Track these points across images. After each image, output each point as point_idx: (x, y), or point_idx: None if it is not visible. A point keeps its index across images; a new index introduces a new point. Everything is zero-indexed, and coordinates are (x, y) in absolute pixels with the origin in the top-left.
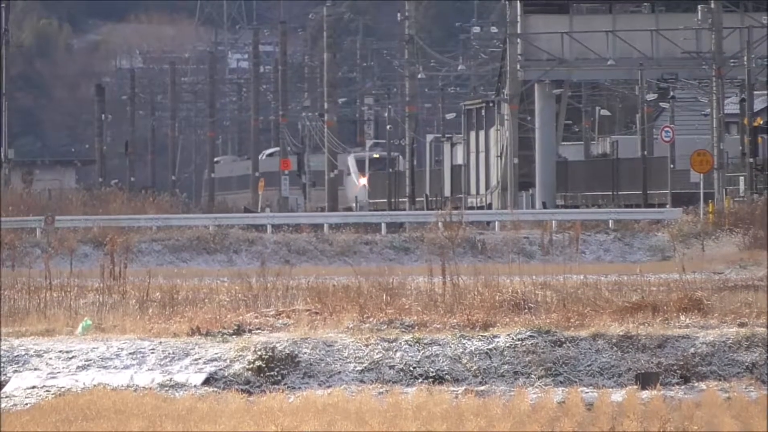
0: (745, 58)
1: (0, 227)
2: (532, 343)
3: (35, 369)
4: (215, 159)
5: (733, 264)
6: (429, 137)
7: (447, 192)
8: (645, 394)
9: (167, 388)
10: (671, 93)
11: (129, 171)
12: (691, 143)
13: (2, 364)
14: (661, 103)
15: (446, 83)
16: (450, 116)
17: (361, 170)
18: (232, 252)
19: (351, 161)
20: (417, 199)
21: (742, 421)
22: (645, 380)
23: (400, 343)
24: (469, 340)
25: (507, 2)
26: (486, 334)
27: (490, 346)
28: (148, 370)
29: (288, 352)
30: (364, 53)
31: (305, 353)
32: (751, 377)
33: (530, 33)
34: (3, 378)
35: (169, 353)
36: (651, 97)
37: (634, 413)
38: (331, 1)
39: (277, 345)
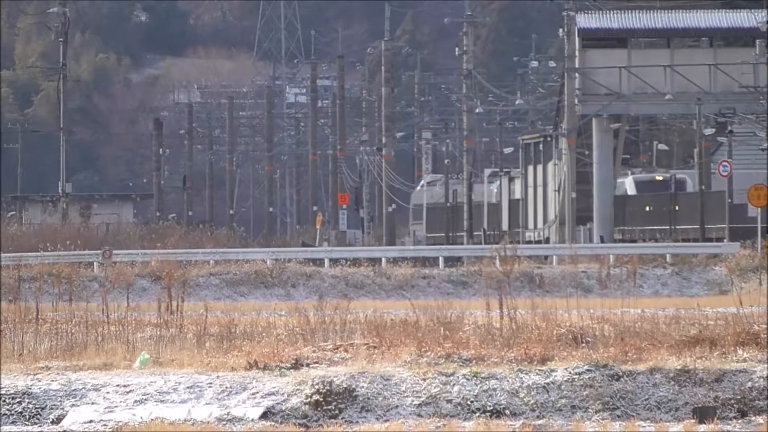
0: None
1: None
2: (589, 377)
3: (92, 403)
4: (422, 182)
5: None
6: (487, 171)
7: (505, 226)
8: (702, 428)
9: (225, 422)
10: (729, 127)
11: (186, 205)
12: (749, 178)
13: (60, 399)
14: (718, 138)
15: (504, 117)
16: (508, 150)
17: (640, 192)
18: (289, 286)
19: (630, 183)
20: (475, 233)
21: None
22: (702, 414)
23: (458, 377)
24: (526, 374)
25: (565, 37)
26: (543, 368)
27: (548, 380)
28: (206, 404)
29: (345, 386)
30: (422, 87)
31: (363, 387)
32: None
33: (588, 67)
34: (60, 412)
35: (226, 387)
36: (709, 131)
37: None
38: (389, 35)
39: (335, 379)
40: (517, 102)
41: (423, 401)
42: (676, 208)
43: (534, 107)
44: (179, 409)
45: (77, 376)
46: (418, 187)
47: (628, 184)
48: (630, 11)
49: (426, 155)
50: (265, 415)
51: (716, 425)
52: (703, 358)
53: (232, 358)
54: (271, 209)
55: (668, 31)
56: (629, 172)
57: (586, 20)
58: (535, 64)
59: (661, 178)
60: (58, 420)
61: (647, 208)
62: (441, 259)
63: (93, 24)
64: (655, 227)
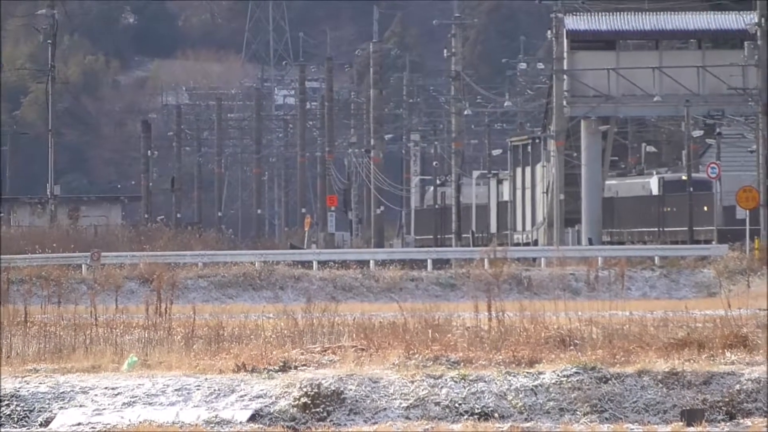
0: None
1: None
2: (577, 380)
3: (81, 406)
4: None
5: None
6: (475, 173)
7: (493, 228)
8: (690, 430)
9: (213, 425)
10: (717, 129)
11: (175, 207)
12: (738, 180)
13: (48, 401)
14: (707, 140)
15: (493, 119)
16: (496, 152)
17: (665, 192)
18: (278, 288)
19: (655, 183)
20: (463, 235)
21: None
22: (690, 417)
23: (446, 380)
24: (514, 376)
25: (554, 39)
26: (532, 370)
27: (536, 383)
28: (194, 406)
29: (334, 388)
30: (410, 89)
31: (351, 390)
32: None
33: (577, 69)
34: (48, 415)
35: (214, 390)
36: (697, 133)
37: None
38: (377, 37)
39: (323, 381)
40: (505, 104)
41: (411, 404)
42: (705, 208)
43: (522, 109)
44: (167, 411)
45: (65, 378)
46: (432, 189)
47: (653, 184)
48: (618, 13)
49: (414, 157)
50: (253, 418)
51: (704, 428)
52: (691, 361)
53: (220, 361)
54: (259, 211)
55: (657, 33)
56: (654, 172)
57: (574, 22)
58: (523, 65)
59: (685, 177)
60: (46, 423)
61: (668, 209)
62: (429, 262)
63: (81, 26)
64: (644, 229)
